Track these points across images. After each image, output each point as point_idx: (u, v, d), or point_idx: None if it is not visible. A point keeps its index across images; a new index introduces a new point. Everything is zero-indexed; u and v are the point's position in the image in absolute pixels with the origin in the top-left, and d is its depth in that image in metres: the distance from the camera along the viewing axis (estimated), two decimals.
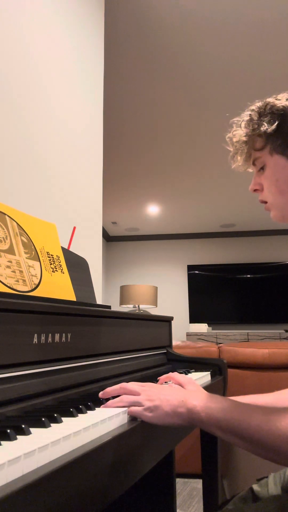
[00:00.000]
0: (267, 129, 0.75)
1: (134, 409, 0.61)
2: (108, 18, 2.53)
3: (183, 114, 3.69)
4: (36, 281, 0.79)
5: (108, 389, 0.66)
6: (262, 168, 0.79)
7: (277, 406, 0.76)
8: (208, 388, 0.92)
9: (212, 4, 2.49)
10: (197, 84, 3.26)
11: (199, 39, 2.78)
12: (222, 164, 4.53)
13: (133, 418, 0.61)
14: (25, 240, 0.82)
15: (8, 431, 0.42)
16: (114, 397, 0.65)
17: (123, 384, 0.66)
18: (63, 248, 1.00)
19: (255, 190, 0.82)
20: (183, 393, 0.64)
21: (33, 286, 0.78)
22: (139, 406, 0.62)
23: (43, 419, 0.48)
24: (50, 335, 0.65)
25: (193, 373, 1.08)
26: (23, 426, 0.44)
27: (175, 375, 0.79)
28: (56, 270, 0.88)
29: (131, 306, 4.73)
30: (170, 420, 0.61)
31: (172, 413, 0.61)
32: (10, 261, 0.74)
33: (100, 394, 0.66)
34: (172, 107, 3.59)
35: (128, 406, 0.62)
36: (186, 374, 1.02)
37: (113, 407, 0.62)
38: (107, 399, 0.65)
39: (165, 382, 0.81)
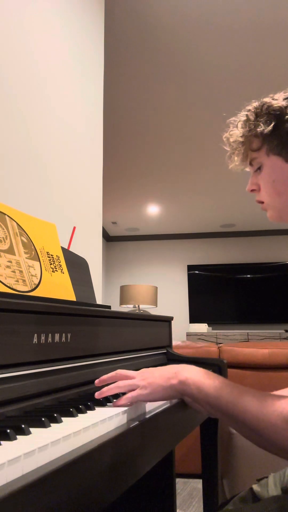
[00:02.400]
0: (263, 129, 0.74)
1: (131, 394, 0.63)
2: (108, 18, 2.53)
3: (183, 114, 3.69)
4: (36, 281, 0.79)
5: (104, 376, 0.67)
6: (259, 169, 0.79)
7: None
8: None
9: (212, 4, 2.49)
10: (197, 84, 3.27)
11: (198, 40, 2.78)
12: (222, 164, 4.53)
13: (133, 418, 0.61)
14: (25, 240, 0.82)
15: (8, 431, 0.42)
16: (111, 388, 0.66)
17: (119, 370, 0.67)
18: (63, 248, 1.00)
19: (252, 190, 0.82)
20: (177, 367, 0.66)
21: (33, 286, 0.78)
22: (135, 388, 0.63)
23: (43, 419, 0.48)
24: (50, 335, 0.65)
25: None
26: (23, 426, 0.44)
27: None
28: (56, 270, 0.88)
29: (131, 306, 4.72)
30: (164, 392, 0.63)
31: (165, 385, 0.63)
32: (10, 261, 0.74)
33: (96, 381, 0.67)
34: (172, 107, 3.59)
35: (124, 392, 0.63)
36: None
37: (109, 394, 0.63)
38: (107, 400, 0.65)
39: None
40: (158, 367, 0.70)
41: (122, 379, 0.66)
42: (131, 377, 0.66)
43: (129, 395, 0.63)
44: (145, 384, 0.63)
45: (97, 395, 0.64)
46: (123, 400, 0.62)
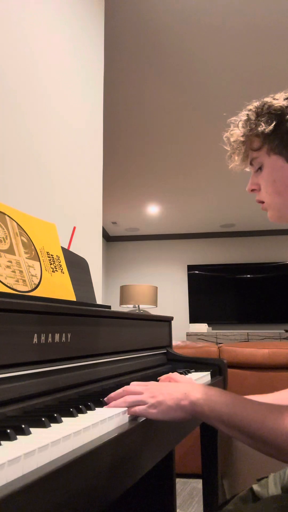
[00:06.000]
0: (264, 129, 0.74)
1: (138, 408, 0.61)
2: (108, 17, 2.53)
3: (183, 114, 3.69)
4: (36, 281, 0.79)
5: (111, 394, 0.65)
6: (260, 168, 0.78)
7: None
8: None
9: (212, 5, 2.49)
10: (197, 84, 3.27)
11: (199, 40, 2.78)
12: (222, 164, 4.53)
13: (133, 418, 0.61)
14: (25, 240, 0.82)
15: (8, 431, 0.42)
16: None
17: (126, 387, 0.65)
18: (63, 248, 1.00)
19: (252, 190, 0.81)
20: (186, 386, 0.64)
21: (33, 286, 0.78)
22: (143, 404, 0.62)
23: (43, 419, 0.48)
24: (50, 335, 0.65)
25: (193, 373, 1.08)
26: (23, 426, 0.44)
27: (175, 375, 0.79)
28: (56, 270, 0.88)
29: (131, 306, 4.72)
30: (174, 414, 0.61)
31: (175, 407, 0.61)
32: (10, 261, 0.74)
33: (105, 399, 0.66)
34: (172, 107, 3.59)
35: (132, 406, 0.62)
36: (186, 374, 1.02)
37: (116, 407, 0.62)
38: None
39: None
40: (166, 383, 0.68)
41: (129, 394, 0.64)
42: (138, 393, 0.64)
43: (136, 408, 0.61)
44: (153, 402, 0.61)
45: (106, 408, 0.62)
46: (129, 412, 0.61)
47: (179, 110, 3.62)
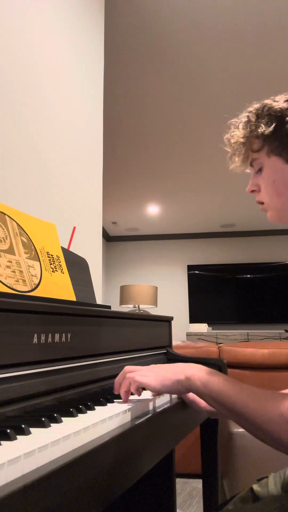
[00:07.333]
0: (264, 131, 0.75)
1: (140, 379, 0.68)
2: (108, 16, 2.53)
3: (183, 115, 3.69)
4: (36, 281, 0.79)
5: (116, 379, 0.72)
6: (260, 170, 0.79)
7: None
8: None
9: (213, 5, 2.49)
10: (197, 84, 3.27)
11: (199, 39, 2.78)
12: (222, 164, 4.53)
13: (133, 418, 0.61)
14: (25, 240, 0.82)
15: (8, 431, 0.42)
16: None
17: (126, 367, 0.73)
18: (63, 248, 1.00)
19: (252, 191, 0.82)
20: (183, 364, 0.72)
21: (33, 286, 0.78)
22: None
23: (43, 419, 0.48)
24: (50, 335, 0.65)
25: None
26: (23, 426, 0.44)
27: None
28: (56, 270, 0.88)
29: (131, 306, 4.72)
30: (171, 385, 0.69)
31: (173, 378, 0.69)
32: (10, 261, 0.74)
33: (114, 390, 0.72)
34: (172, 108, 3.59)
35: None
36: None
37: (119, 383, 0.70)
38: (108, 400, 0.66)
39: None
40: (164, 364, 0.74)
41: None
42: (138, 370, 0.71)
43: (137, 381, 0.68)
44: (153, 374, 0.69)
45: (115, 391, 0.71)
46: (131, 392, 0.69)
47: (179, 110, 3.62)
